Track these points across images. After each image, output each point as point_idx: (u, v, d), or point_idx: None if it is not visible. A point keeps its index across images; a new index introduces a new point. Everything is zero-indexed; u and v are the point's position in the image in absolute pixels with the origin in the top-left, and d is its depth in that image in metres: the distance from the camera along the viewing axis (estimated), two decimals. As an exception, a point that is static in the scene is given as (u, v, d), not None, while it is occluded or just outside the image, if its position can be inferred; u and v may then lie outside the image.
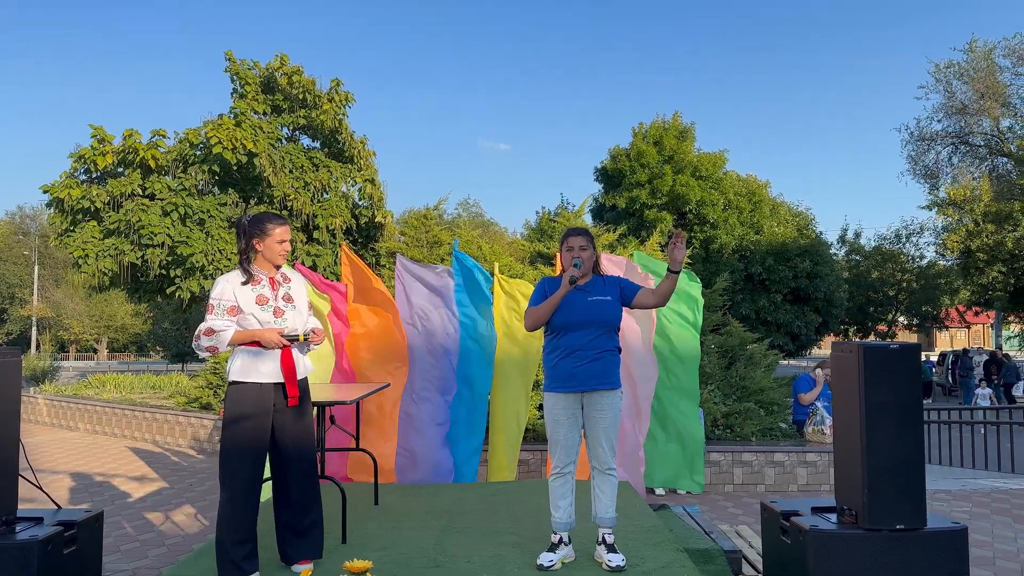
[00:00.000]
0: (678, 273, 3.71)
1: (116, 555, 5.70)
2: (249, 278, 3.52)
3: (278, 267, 3.63)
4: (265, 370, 3.49)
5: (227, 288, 3.49)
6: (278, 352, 3.51)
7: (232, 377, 3.49)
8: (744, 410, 8.28)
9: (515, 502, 5.01)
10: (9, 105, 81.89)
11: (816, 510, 3.68)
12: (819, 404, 8.28)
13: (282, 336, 3.48)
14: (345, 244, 6.67)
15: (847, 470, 3.48)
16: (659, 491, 7.21)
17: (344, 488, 4.17)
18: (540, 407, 7.92)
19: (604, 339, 3.77)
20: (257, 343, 3.47)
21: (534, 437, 7.90)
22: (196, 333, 3.43)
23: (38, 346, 52.41)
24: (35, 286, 51.71)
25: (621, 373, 3.89)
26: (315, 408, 4.18)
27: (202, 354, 3.44)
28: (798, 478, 7.80)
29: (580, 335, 3.72)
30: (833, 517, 3.55)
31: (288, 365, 3.52)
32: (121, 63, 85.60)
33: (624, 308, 3.91)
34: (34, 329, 51.95)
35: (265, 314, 3.51)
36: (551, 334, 3.82)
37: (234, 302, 3.48)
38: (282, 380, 3.52)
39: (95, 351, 56.49)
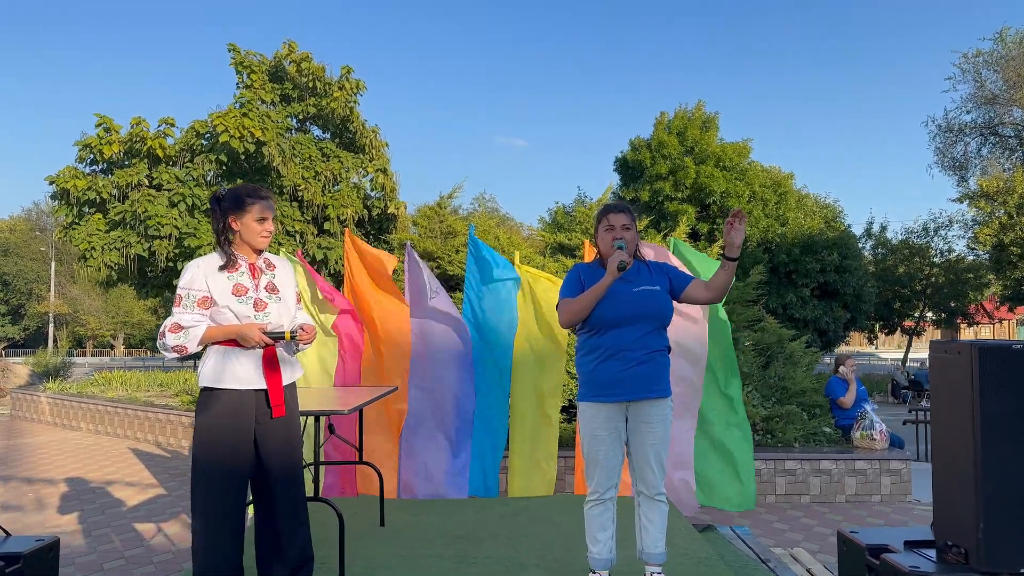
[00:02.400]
0: (736, 261, 3.08)
1: (98, 574, 5.15)
2: (226, 263, 2.92)
3: (259, 252, 3.03)
4: (244, 374, 2.89)
5: (197, 275, 2.89)
6: (259, 353, 2.92)
7: (205, 383, 2.89)
8: (785, 413, 7.62)
9: (542, 524, 4.40)
10: (26, 102, 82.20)
11: (911, 545, 3.05)
12: (867, 407, 7.63)
13: (264, 333, 2.88)
14: (349, 231, 6.06)
15: (952, 498, 2.85)
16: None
17: (344, 511, 3.60)
18: (564, 410, 7.29)
19: (654, 337, 3.13)
20: (234, 341, 2.87)
21: (558, 444, 7.28)
22: (160, 330, 2.83)
23: (55, 342, 52.45)
24: (52, 282, 51.73)
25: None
26: (311, 418, 3.59)
27: (168, 355, 2.84)
28: (846, 488, 7.15)
29: (626, 332, 3.08)
30: (933, 554, 2.92)
31: (272, 368, 2.92)
32: (127, 59, 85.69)
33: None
34: (51, 325, 51.98)
35: (243, 307, 2.90)
36: (588, 331, 3.17)
37: (206, 292, 2.87)
38: (264, 386, 2.93)
39: (112, 347, 56.51)
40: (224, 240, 2.94)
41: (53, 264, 51.90)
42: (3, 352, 49.82)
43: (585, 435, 3.14)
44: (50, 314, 52.00)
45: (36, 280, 54.54)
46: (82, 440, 11.34)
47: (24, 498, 7.42)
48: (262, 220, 2.93)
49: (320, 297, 5.48)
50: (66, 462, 9.42)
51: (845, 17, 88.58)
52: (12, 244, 55.50)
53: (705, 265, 5.64)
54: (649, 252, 5.25)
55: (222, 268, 2.90)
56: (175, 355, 2.83)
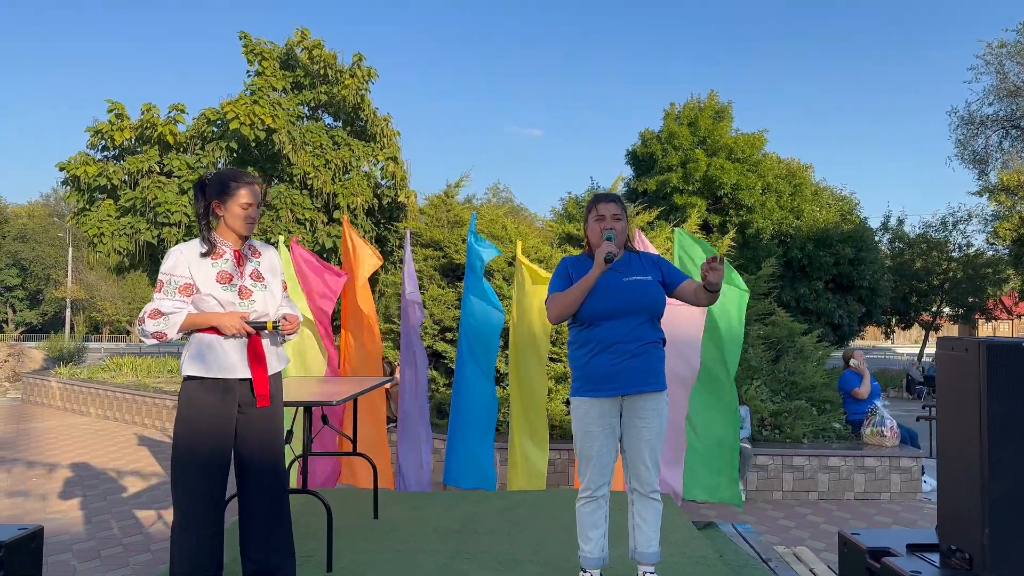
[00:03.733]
0: (716, 293, 2.95)
1: (95, 562, 5.13)
2: (209, 249, 2.84)
3: (244, 238, 2.95)
4: (228, 362, 2.82)
5: (181, 261, 2.81)
6: (244, 340, 2.84)
7: (187, 371, 2.81)
8: (794, 408, 7.50)
9: (539, 518, 4.32)
10: (45, 89, 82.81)
11: (913, 548, 2.95)
12: (878, 403, 7.50)
13: (247, 323, 2.80)
14: (346, 217, 6.02)
15: (957, 500, 2.74)
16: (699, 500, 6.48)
17: (338, 504, 3.53)
18: (567, 402, 7.21)
19: (647, 329, 3.03)
20: (215, 329, 2.80)
21: (561, 435, 7.21)
22: (140, 315, 2.75)
23: (72, 327, 52.91)
24: (69, 268, 52.15)
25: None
26: (302, 408, 3.53)
27: (148, 341, 2.76)
28: (855, 485, 7.03)
29: (618, 325, 2.98)
30: (937, 559, 2.82)
31: (256, 356, 2.85)
32: (139, 50, 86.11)
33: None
34: (68, 310, 52.43)
35: (228, 294, 2.82)
36: (580, 325, 3.07)
37: (189, 279, 2.80)
38: (248, 375, 2.86)
39: (128, 333, 56.94)
40: (205, 225, 2.87)
41: (70, 250, 52.28)
42: (21, 336, 50.35)
43: (578, 431, 3.05)
44: (67, 299, 52.45)
45: (54, 266, 55.05)
46: (90, 425, 11.38)
47: (27, 483, 7.44)
48: (247, 206, 2.85)
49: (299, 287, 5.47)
50: (72, 447, 9.44)
51: (865, 6, 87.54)
52: (30, 230, 55.99)
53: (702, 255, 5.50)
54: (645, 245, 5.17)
55: (204, 255, 2.82)
56: (155, 341, 2.76)
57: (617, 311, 2.99)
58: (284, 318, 2.89)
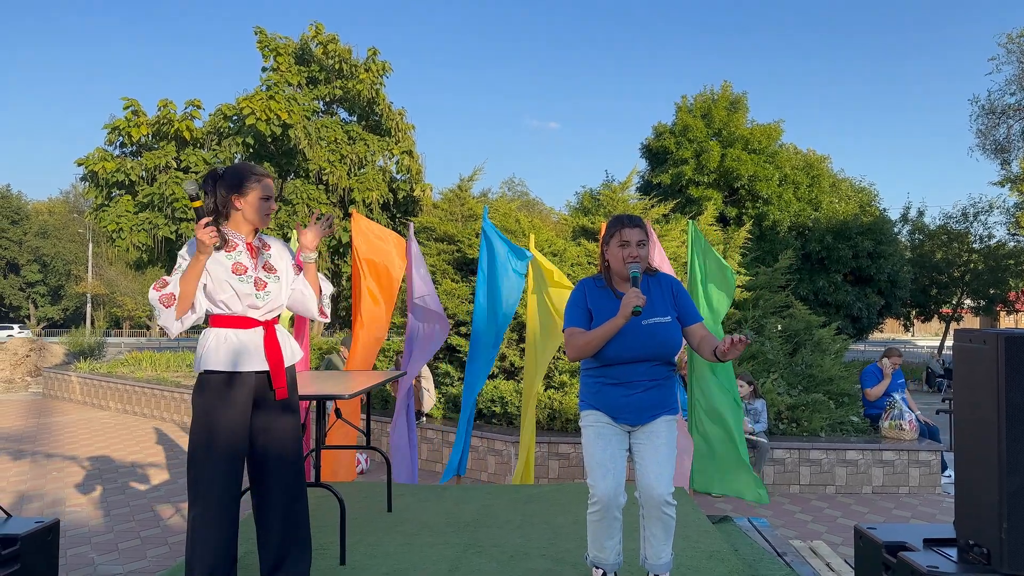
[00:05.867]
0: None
1: (112, 555, 5.18)
2: (223, 243, 2.85)
3: (256, 231, 2.96)
4: (244, 355, 2.82)
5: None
6: (259, 336, 2.85)
7: (202, 365, 2.82)
8: (811, 402, 7.43)
9: (552, 513, 4.31)
10: (65, 86, 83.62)
11: (930, 543, 2.91)
12: (897, 396, 7.41)
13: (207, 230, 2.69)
14: (355, 210, 6.04)
15: (974, 494, 2.70)
16: (715, 493, 6.44)
17: (352, 497, 3.53)
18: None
19: (661, 367, 2.97)
20: (232, 321, 2.80)
21: (576, 428, 7.19)
22: (149, 295, 2.77)
23: (92, 322, 53.51)
24: (89, 263, 52.69)
25: None
26: (314, 402, 3.53)
27: (162, 317, 2.72)
28: (873, 479, 6.96)
29: (633, 367, 2.92)
30: (954, 554, 2.78)
31: (273, 349, 2.86)
32: (156, 47, 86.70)
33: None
34: (89, 305, 52.99)
35: (244, 285, 2.83)
36: (594, 358, 2.98)
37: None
38: (266, 368, 2.86)
39: (148, 328, 57.46)
40: (217, 217, 2.87)
41: (91, 246, 52.79)
42: (42, 332, 50.97)
43: (587, 434, 2.98)
44: (88, 295, 53.00)
45: (74, 261, 55.65)
46: (110, 419, 11.50)
47: (47, 476, 7.52)
48: (267, 199, 2.88)
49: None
50: (92, 441, 9.54)
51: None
52: (51, 226, 56.60)
53: (718, 267, 5.47)
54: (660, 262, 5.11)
55: (218, 248, 2.83)
56: (163, 308, 2.68)
57: (634, 358, 2.92)
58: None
